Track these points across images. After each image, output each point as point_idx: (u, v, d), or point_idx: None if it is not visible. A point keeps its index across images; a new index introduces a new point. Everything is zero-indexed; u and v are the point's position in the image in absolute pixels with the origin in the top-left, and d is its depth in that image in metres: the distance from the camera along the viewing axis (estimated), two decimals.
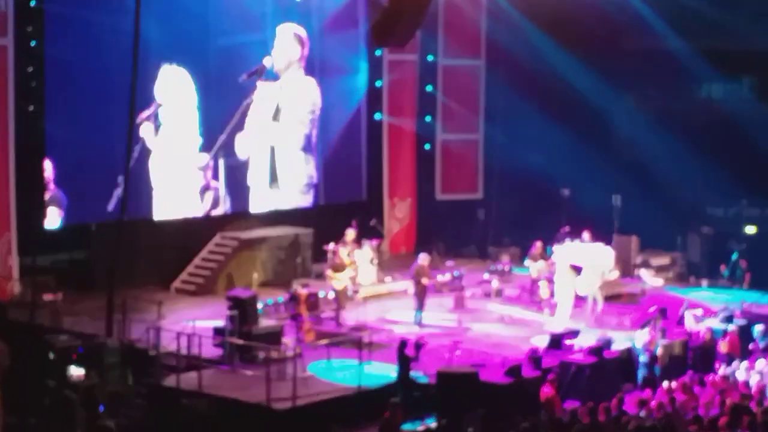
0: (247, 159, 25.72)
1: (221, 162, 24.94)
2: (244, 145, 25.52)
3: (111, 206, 22.49)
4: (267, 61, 25.66)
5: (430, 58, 29.73)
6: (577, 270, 22.07)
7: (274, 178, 26.37)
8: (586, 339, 19.25)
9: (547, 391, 16.45)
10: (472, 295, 23.89)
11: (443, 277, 24.12)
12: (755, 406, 15.28)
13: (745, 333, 20.68)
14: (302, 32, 26.44)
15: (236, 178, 25.51)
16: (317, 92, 26.93)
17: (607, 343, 18.92)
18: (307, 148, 26.92)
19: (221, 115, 24.96)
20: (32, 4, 22.03)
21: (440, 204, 30.23)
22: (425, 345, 17.46)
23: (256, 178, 26.00)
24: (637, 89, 28.95)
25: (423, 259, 21.86)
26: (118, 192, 21.93)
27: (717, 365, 18.81)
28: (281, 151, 26.39)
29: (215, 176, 24.97)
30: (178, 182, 24.43)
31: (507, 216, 29.54)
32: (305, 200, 27.16)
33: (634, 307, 23.31)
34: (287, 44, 26.17)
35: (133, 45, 18.62)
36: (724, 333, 20.43)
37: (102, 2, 22.49)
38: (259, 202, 26.23)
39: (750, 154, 26.30)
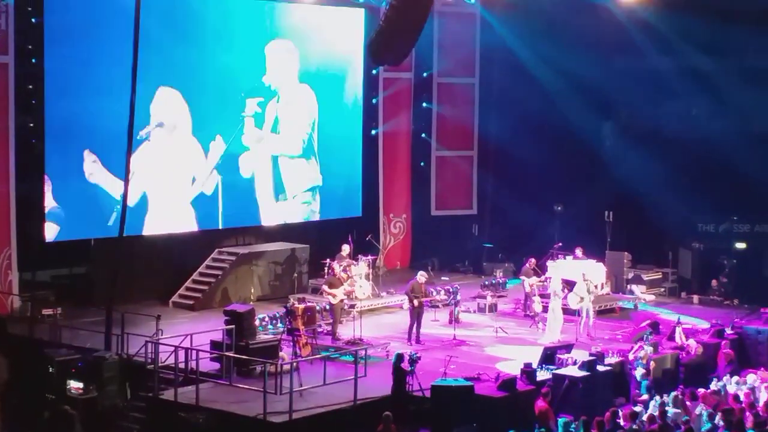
0: (250, 176, 26.02)
1: (219, 179, 25.23)
2: (248, 163, 25.88)
3: (111, 222, 22.67)
4: (265, 80, 26.03)
5: (425, 75, 30.08)
6: (570, 285, 22.36)
7: (280, 189, 26.70)
8: (579, 353, 19.44)
9: (540, 405, 16.62)
10: (467, 309, 24.14)
11: (438, 294, 24.32)
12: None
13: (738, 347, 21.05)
14: (289, 44, 26.73)
15: (236, 194, 25.76)
16: (313, 97, 27.24)
17: (600, 357, 19.10)
18: (308, 152, 27.24)
19: (219, 133, 25.26)
20: (33, 20, 22.27)
21: (435, 220, 30.48)
22: (420, 359, 17.62)
23: (262, 193, 26.32)
24: (628, 106, 29.20)
25: (420, 276, 22.03)
26: (117, 208, 22.13)
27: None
28: (284, 159, 26.73)
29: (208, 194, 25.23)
30: (174, 200, 24.65)
31: (501, 232, 29.78)
32: (313, 207, 27.47)
33: (627, 321, 23.59)
34: (278, 59, 26.46)
35: (133, 65, 18.82)
36: (717, 347, 20.70)
37: (102, 22, 22.69)
38: (265, 217, 26.53)
39: (740, 171, 26.52)
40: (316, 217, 27.64)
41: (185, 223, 24.95)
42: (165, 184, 24.42)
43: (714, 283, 26.35)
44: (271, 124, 26.40)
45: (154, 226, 24.26)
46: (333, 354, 19.28)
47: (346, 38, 28.12)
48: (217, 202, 25.38)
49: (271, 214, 26.66)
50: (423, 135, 30.40)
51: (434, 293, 23.94)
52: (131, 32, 18.92)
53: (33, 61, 22.39)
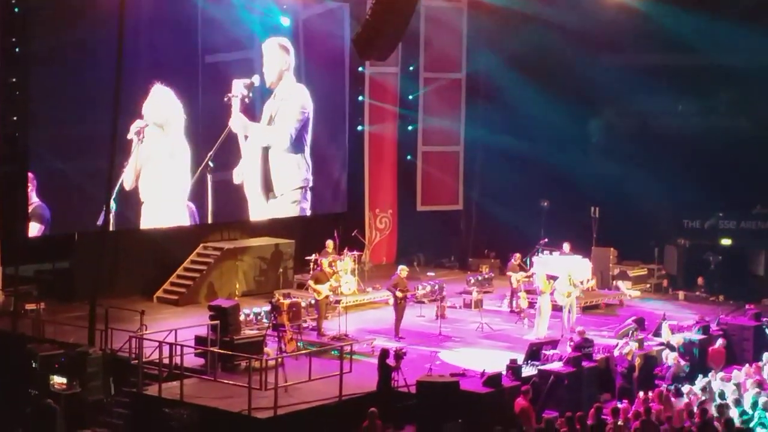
0: (240, 172, 25.92)
1: (209, 177, 25.12)
2: (238, 160, 25.84)
3: (100, 221, 22.38)
4: (256, 79, 25.90)
5: (411, 69, 30.01)
6: (556, 280, 22.32)
7: (268, 187, 26.60)
8: (564, 349, 19.42)
9: (521, 403, 16.58)
10: (453, 305, 24.09)
11: (424, 288, 24.28)
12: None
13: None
14: (287, 42, 26.70)
15: (226, 192, 25.63)
16: (308, 97, 27.23)
17: (586, 354, 19.07)
18: (299, 148, 27.17)
19: (210, 130, 25.15)
20: (16, 10, 21.94)
21: (421, 215, 30.44)
22: (405, 355, 17.58)
23: (251, 189, 26.24)
24: (614, 103, 29.21)
25: (402, 270, 21.99)
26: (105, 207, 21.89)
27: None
28: (274, 154, 26.65)
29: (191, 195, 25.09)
30: (164, 197, 24.48)
31: (487, 227, 29.76)
32: (301, 204, 27.39)
33: (612, 317, 23.60)
34: (275, 56, 26.42)
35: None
36: (708, 343, 20.73)
37: (89, 14, 22.36)
38: (253, 213, 26.46)
39: (726, 168, 26.58)
40: (303, 213, 27.55)
41: (170, 218, 24.80)
42: (151, 179, 24.22)
43: (700, 280, 26.42)
44: (264, 120, 26.31)
45: (137, 220, 24.07)
46: (318, 349, 19.21)
47: (332, 34, 28.01)
48: (206, 197, 25.24)
49: (259, 210, 26.55)
50: (410, 127, 30.32)
51: (420, 287, 23.92)
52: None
53: (17, 50, 22.05)
